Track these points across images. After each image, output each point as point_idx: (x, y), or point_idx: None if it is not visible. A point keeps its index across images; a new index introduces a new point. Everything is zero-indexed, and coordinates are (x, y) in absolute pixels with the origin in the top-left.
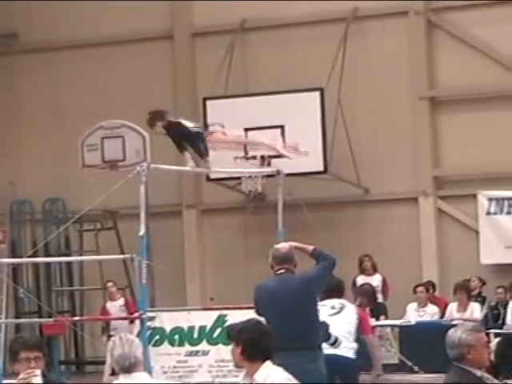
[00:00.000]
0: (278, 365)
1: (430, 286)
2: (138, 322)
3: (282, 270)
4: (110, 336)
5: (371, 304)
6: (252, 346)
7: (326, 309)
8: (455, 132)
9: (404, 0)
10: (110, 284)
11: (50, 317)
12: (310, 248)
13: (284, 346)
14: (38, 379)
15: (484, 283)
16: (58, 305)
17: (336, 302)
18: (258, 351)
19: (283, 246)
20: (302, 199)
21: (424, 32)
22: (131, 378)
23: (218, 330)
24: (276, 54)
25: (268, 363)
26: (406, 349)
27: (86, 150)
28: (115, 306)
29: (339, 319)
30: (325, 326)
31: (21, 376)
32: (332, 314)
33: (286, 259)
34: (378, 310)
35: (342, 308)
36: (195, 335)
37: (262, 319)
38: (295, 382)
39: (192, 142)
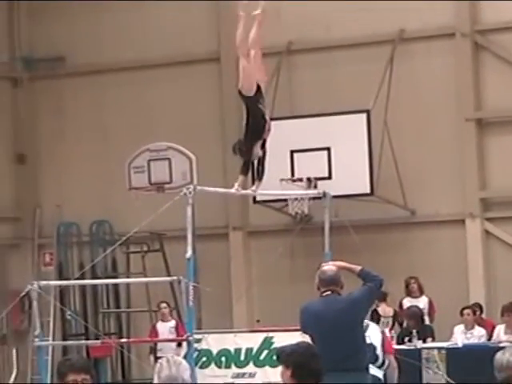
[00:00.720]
0: None
1: (477, 308)
2: (184, 344)
3: (328, 292)
4: (156, 357)
5: (418, 326)
6: (302, 369)
7: None
8: (502, 153)
9: (450, 22)
10: (163, 305)
11: (96, 339)
12: (358, 268)
13: (331, 367)
14: None
15: None
16: (105, 327)
17: None
18: (308, 374)
19: (330, 268)
20: (349, 221)
21: (470, 53)
22: None
23: (265, 352)
24: (322, 76)
25: None
26: (453, 371)
27: (132, 172)
28: (165, 327)
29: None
30: (372, 347)
31: None
32: None
33: (333, 281)
34: (425, 332)
35: (366, 327)
36: (242, 357)
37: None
38: None
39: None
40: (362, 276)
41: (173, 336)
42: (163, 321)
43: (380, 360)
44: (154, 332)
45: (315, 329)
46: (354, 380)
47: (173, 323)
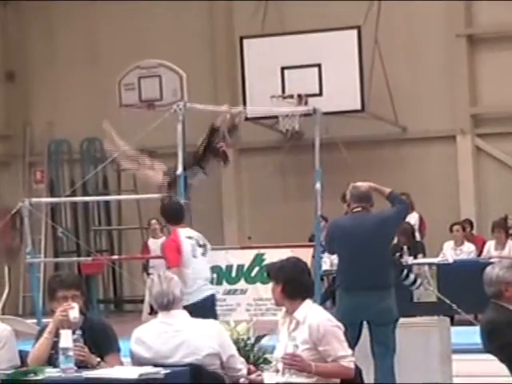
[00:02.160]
0: (348, 303)
1: (467, 224)
2: None
3: (359, 209)
4: (148, 274)
5: (409, 242)
6: (292, 284)
7: (193, 242)
8: (493, 69)
9: None
10: (153, 221)
11: (88, 256)
12: (387, 190)
13: (355, 284)
14: (75, 312)
15: None
16: (97, 244)
17: (200, 238)
18: (298, 289)
19: (362, 184)
20: (340, 138)
21: None
22: (170, 315)
23: (256, 269)
24: None
25: (308, 302)
26: (444, 287)
27: (123, 90)
28: (157, 244)
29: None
30: (403, 266)
31: (58, 310)
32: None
33: (364, 198)
34: (416, 249)
35: (206, 247)
36: (233, 274)
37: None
38: (335, 322)
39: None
40: (390, 198)
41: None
42: (154, 238)
43: (411, 278)
44: (145, 249)
45: (344, 245)
46: (377, 297)
47: (164, 239)
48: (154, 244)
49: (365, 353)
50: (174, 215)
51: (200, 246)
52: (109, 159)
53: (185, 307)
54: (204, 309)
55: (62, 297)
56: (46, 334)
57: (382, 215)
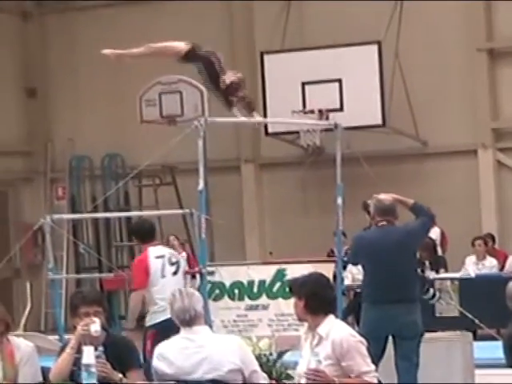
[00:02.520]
0: (373, 317)
1: (489, 238)
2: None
3: (384, 222)
4: None
5: (431, 257)
6: (314, 300)
7: (164, 260)
8: None
9: None
10: (171, 238)
11: (110, 272)
12: (410, 202)
13: (381, 297)
14: (97, 326)
15: None
16: (118, 260)
17: (172, 255)
18: (321, 304)
19: (386, 197)
20: (361, 153)
21: None
22: (192, 331)
23: (278, 284)
24: (333, 7)
25: (331, 317)
26: (466, 302)
27: (144, 106)
28: None
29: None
30: (425, 280)
31: (80, 325)
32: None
33: (389, 211)
34: (438, 263)
35: (178, 264)
36: (255, 289)
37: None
38: (359, 337)
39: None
40: (414, 210)
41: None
42: None
43: (431, 292)
44: None
45: (369, 258)
46: (403, 311)
47: (184, 256)
48: None
49: (388, 368)
50: (143, 234)
51: (172, 264)
52: (130, 175)
53: (151, 326)
54: (170, 329)
55: (84, 313)
56: (68, 350)
57: (407, 228)
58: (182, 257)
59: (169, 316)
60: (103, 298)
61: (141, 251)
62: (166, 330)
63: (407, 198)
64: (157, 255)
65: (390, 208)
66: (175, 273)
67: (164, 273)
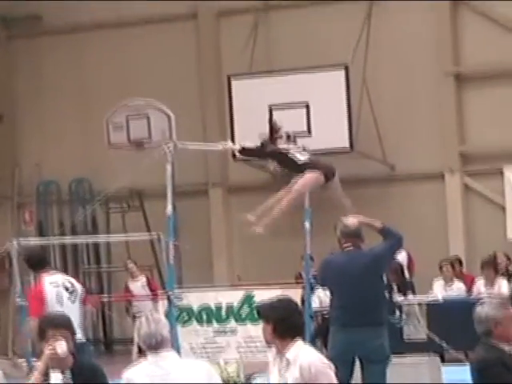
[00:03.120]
0: (342, 340)
1: (456, 262)
2: (164, 301)
3: (350, 246)
4: (134, 316)
5: (399, 280)
6: (283, 324)
7: (59, 288)
8: (481, 108)
9: None
10: (129, 262)
11: None
12: (378, 225)
13: (349, 321)
14: (63, 346)
15: (510, 259)
16: (86, 284)
17: (68, 283)
18: (289, 329)
19: (352, 221)
20: None
21: (449, 8)
22: (159, 356)
23: (246, 309)
24: (300, 31)
25: (299, 341)
26: (434, 325)
27: (111, 129)
28: (136, 285)
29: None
30: (393, 304)
31: (46, 346)
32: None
33: (354, 235)
34: (405, 287)
35: (75, 293)
36: (223, 314)
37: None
38: (326, 362)
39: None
40: (383, 232)
41: (146, 292)
42: (133, 278)
43: (397, 314)
44: (127, 291)
45: (337, 282)
46: (371, 335)
47: (143, 280)
48: (134, 285)
49: None
50: (33, 263)
51: (68, 291)
52: (97, 200)
53: None
54: None
55: (51, 336)
56: (36, 373)
57: (373, 252)
58: (142, 283)
59: None
60: (71, 322)
61: (35, 280)
62: None
63: (375, 220)
64: (52, 282)
65: (356, 232)
66: (73, 301)
67: (61, 300)
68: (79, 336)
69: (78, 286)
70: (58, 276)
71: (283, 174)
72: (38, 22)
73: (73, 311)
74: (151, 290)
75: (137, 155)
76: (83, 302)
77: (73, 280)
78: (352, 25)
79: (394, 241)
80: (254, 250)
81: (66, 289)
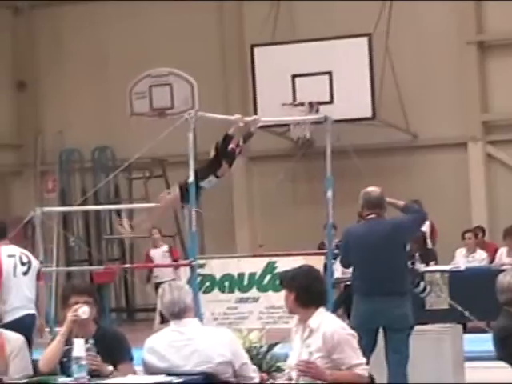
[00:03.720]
0: (365, 309)
1: (479, 231)
2: (185, 268)
3: (373, 215)
4: (157, 284)
5: (421, 250)
6: (305, 293)
7: (15, 260)
8: (504, 76)
9: None
10: (154, 231)
11: (100, 265)
12: (401, 203)
13: (371, 291)
14: (85, 309)
15: None
16: (108, 253)
17: (24, 255)
18: (312, 297)
19: (374, 189)
20: (351, 146)
21: None
22: (181, 323)
23: (268, 277)
24: (322, 1)
25: (321, 310)
26: (456, 294)
27: (134, 98)
28: (159, 253)
29: (28, 279)
30: (416, 273)
31: (69, 312)
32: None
33: (377, 204)
34: (428, 256)
35: (30, 265)
36: (245, 282)
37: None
38: (349, 330)
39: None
40: (406, 210)
41: (167, 260)
42: (156, 247)
43: (422, 285)
44: (148, 259)
45: (358, 252)
46: (392, 304)
47: (165, 248)
48: (156, 253)
49: (378, 360)
50: None
51: (23, 264)
52: (120, 168)
53: (1, 326)
54: (20, 329)
55: (74, 303)
56: (58, 337)
57: (395, 221)
58: (163, 251)
59: (16, 317)
60: (94, 290)
61: None
62: (17, 329)
63: (398, 201)
64: (9, 254)
65: (378, 201)
66: (26, 273)
67: (15, 272)
68: (27, 307)
69: (34, 261)
70: (14, 248)
71: (304, 141)
72: None
73: (25, 283)
74: (173, 258)
75: (159, 123)
76: (37, 278)
77: (29, 254)
78: None
79: (417, 215)
80: (277, 219)
81: (21, 261)
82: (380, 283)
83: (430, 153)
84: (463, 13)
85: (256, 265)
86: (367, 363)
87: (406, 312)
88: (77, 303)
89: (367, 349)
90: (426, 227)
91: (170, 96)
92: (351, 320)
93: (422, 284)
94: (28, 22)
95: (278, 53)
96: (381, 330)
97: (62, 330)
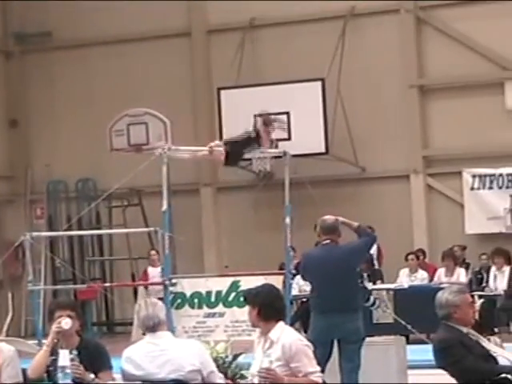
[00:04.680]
0: (322, 324)
1: (420, 253)
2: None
3: (328, 240)
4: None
5: (369, 270)
6: (267, 308)
7: None
8: (442, 116)
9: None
10: (153, 252)
11: (83, 283)
12: (355, 224)
13: (327, 308)
14: (67, 320)
15: (465, 248)
16: (91, 273)
17: None
18: (273, 312)
19: (329, 217)
20: (307, 177)
21: (414, 27)
22: (156, 336)
23: (233, 294)
24: (282, 48)
25: (281, 323)
26: (400, 310)
27: (113, 135)
28: (156, 272)
29: None
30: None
31: (53, 324)
32: None
33: (332, 230)
34: (375, 275)
35: None
36: (212, 299)
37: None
38: (306, 342)
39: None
40: (358, 231)
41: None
42: (153, 266)
43: (371, 300)
44: (144, 275)
45: (315, 273)
46: (346, 319)
47: (161, 269)
48: (153, 271)
49: (333, 368)
50: None
51: None
52: (101, 197)
53: None
54: None
55: (58, 316)
56: (44, 347)
57: (349, 246)
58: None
59: None
60: (76, 305)
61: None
62: None
63: (351, 221)
64: None
65: (333, 227)
66: None
67: None
68: None
69: None
70: None
71: (265, 174)
72: (48, 37)
73: None
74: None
75: (136, 158)
76: None
77: None
78: (328, 42)
79: (368, 238)
80: (241, 243)
81: None
82: (336, 301)
83: (377, 184)
84: (406, 59)
85: (222, 283)
86: (322, 371)
87: (359, 326)
88: (60, 317)
89: (323, 359)
90: (373, 250)
91: (145, 133)
92: (310, 334)
93: (371, 298)
94: (20, 66)
95: (242, 95)
96: (336, 342)
97: (47, 341)
